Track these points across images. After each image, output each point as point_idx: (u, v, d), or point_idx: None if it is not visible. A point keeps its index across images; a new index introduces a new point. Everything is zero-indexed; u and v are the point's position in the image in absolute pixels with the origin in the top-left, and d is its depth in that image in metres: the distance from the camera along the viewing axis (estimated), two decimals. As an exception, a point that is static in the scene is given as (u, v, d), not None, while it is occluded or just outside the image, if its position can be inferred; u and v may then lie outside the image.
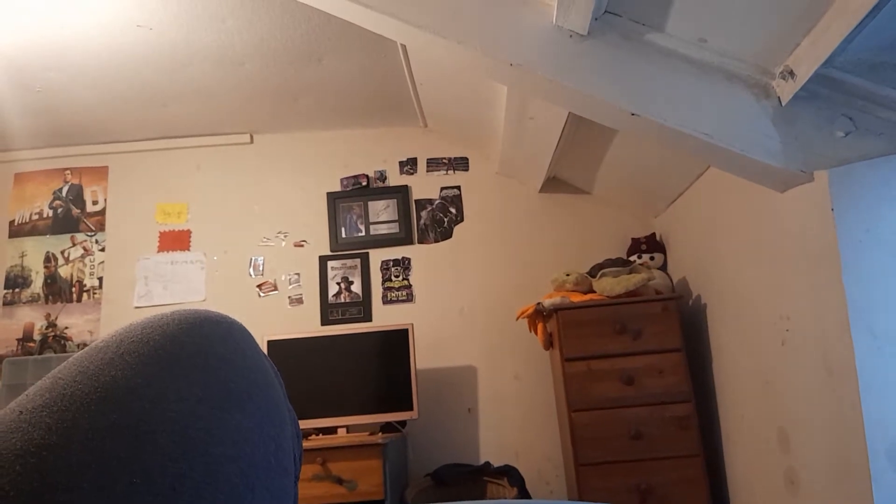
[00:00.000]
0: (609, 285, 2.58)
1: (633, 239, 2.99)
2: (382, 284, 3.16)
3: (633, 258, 2.91)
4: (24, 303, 3.19)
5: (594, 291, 2.66)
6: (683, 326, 2.53)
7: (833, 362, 1.62)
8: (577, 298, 2.61)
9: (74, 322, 3.16)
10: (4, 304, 3.19)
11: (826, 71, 1.54)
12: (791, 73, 1.60)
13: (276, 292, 3.17)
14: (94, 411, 0.34)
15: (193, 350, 0.41)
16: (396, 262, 3.18)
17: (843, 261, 1.56)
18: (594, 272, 2.72)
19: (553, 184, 3.21)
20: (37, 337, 3.15)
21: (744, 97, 1.69)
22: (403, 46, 2.54)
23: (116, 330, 0.42)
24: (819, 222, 1.63)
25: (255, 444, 0.40)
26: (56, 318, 3.17)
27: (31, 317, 3.18)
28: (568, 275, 2.71)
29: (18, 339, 3.15)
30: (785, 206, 1.81)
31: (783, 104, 1.65)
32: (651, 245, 2.93)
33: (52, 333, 3.14)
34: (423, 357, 3.00)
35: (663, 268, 2.92)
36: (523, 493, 2.52)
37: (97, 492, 0.32)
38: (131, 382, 0.36)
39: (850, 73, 1.57)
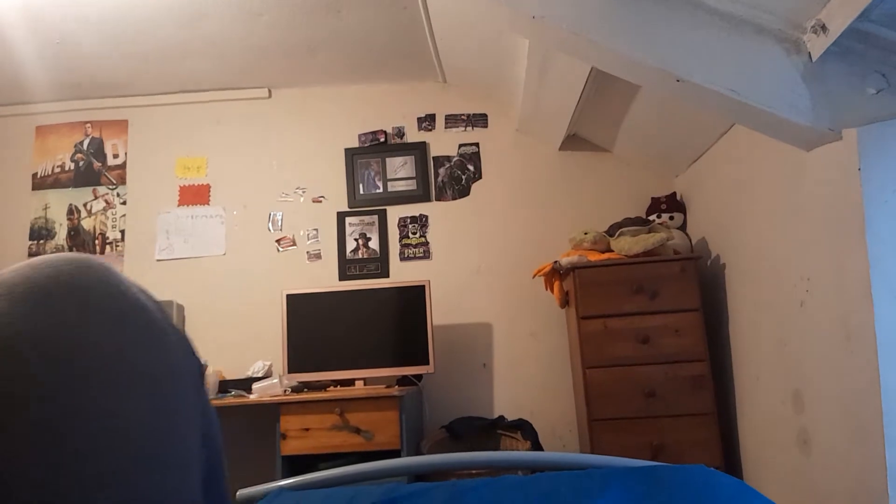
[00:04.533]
0: (627, 244, 2.57)
1: (652, 198, 2.96)
2: (400, 241, 3.17)
3: (652, 217, 2.88)
4: (48, 254, 3.26)
5: (612, 250, 2.66)
6: (701, 286, 2.52)
7: (852, 324, 1.61)
8: (595, 257, 2.61)
9: (98, 274, 3.22)
10: (30, 255, 3.26)
11: (861, 25, 1.49)
12: (823, 28, 1.55)
13: (294, 247, 3.20)
14: None
15: (39, 282, 0.43)
16: (414, 219, 3.19)
17: (868, 221, 1.53)
18: (612, 231, 2.71)
19: (573, 141, 3.17)
20: (63, 288, 3.22)
21: (773, 52, 1.64)
22: (423, -2, 2.48)
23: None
24: (845, 182, 1.60)
25: (126, 354, 0.44)
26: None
27: (57, 268, 3.25)
28: (586, 233, 2.70)
29: (45, 290, 3.22)
30: (810, 166, 1.78)
31: (814, 60, 1.60)
32: (671, 204, 2.90)
33: (78, 285, 3.21)
34: (440, 313, 3.03)
35: (683, 228, 2.90)
36: (536, 447, 2.58)
37: None
38: (4, 327, 0.40)
39: (887, 27, 1.51)
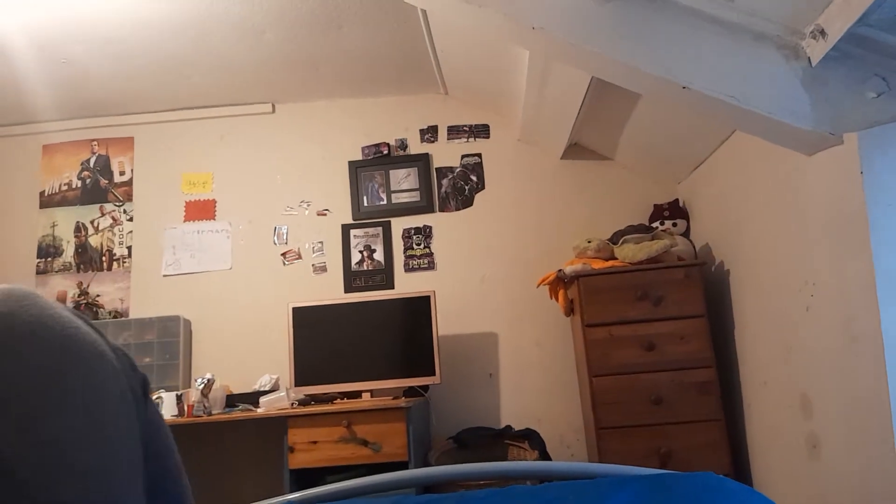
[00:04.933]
0: (631, 252, 2.57)
1: (655, 205, 2.96)
2: (404, 252, 3.18)
3: (655, 224, 2.89)
4: (56, 272, 3.28)
5: (616, 258, 2.66)
6: (706, 293, 2.52)
7: (858, 328, 1.61)
8: (599, 265, 2.61)
9: (106, 290, 3.25)
10: (38, 272, 3.29)
11: (859, 29, 1.49)
12: (822, 33, 1.56)
13: (300, 260, 3.21)
14: None
15: None
16: (418, 231, 3.20)
17: (872, 225, 1.53)
18: (616, 239, 2.71)
19: (575, 150, 3.18)
20: (69, 304, 3.24)
21: (772, 58, 1.65)
22: (424, 12, 2.51)
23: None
24: (847, 186, 1.60)
25: (49, 379, 0.45)
26: (88, 287, 3.26)
27: (64, 285, 3.28)
28: (589, 241, 2.71)
29: (53, 307, 3.24)
30: (812, 170, 1.78)
31: (813, 65, 1.61)
32: (674, 211, 2.90)
33: (85, 301, 3.23)
34: (446, 323, 3.03)
35: (686, 234, 2.90)
36: (544, 456, 2.57)
37: None
38: None
39: (886, 31, 1.52)
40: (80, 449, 0.43)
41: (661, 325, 2.48)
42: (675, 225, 2.88)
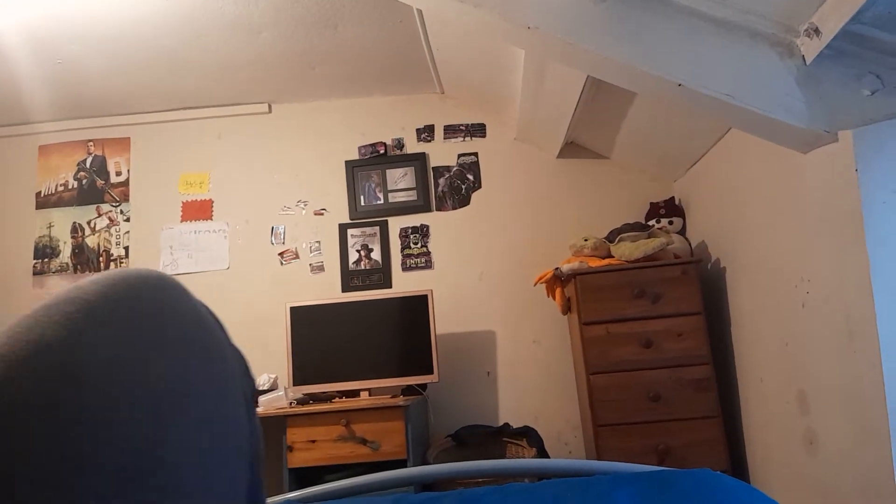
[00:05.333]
0: (627, 250, 2.58)
1: (651, 203, 2.97)
2: (402, 251, 3.19)
3: (651, 223, 2.89)
4: (53, 272, 3.28)
5: (612, 256, 2.67)
6: (703, 290, 2.53)
7: (854, 324, 1.62)
8: (596, 263, 2.62)
9: (103, 291, 3.24)
10: (34, 273, 3.28)
11: (853, 27, 1.50)
12: (816, 31, 1.57)
13: (297, 260, 3.21)
14: (25, 364, 0.36)
15: (120, 302, 0.42)
16: (415, 230, 3.20)
17: (867, 222, 1.54)
18: (612, 237, 2.72)
19: (571, 149, 3.19)
20: (67, 305, 3.24)
21: (767, 56, 1.65)
22: (419, 11, 2.51)
23: (47, 297, 0.44)
24: (842, 183, 1.61)
25: (193, 381, 0.42)
26: (85, 288, 3.25)
27: (61, 286, 3.26)
28: (586, 240, 2.72)
29: (50, 308, 3.24)
30: (807, 168, 1.79)
31: (808, 63, 1.62)
32: (670, 209, 2.91)
33: (82, 302, 3.23)
34: (443, 322, 3.04)
35: (682, 232, 2.91)
36: (542, 454, 2.58)
37: (41, 428, 0.34)
38: (58, 336, 0.38)
39: (880, 29, 1.53)
40: (201, 466, 0.41)
41: (659, 323, 2.49)
42: (671, 223, 2.88)
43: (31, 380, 0.36)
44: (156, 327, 0.42)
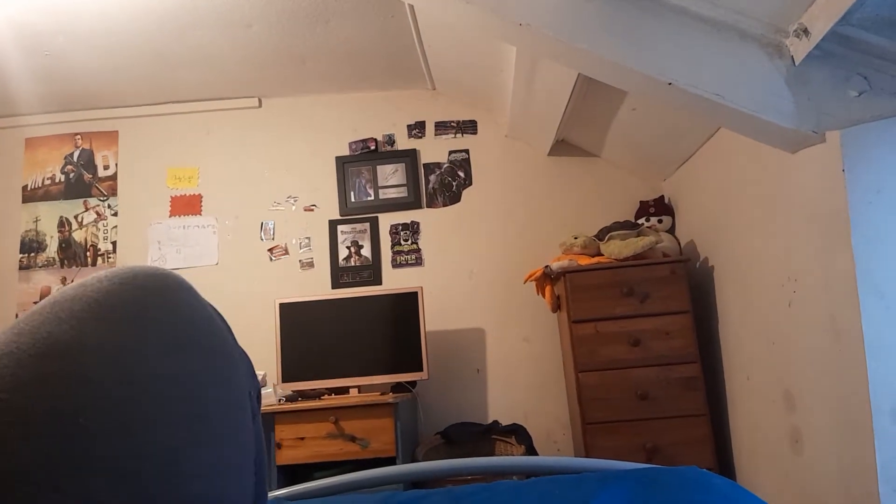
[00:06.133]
0: (617, 248, 2.59)
1: (641, 202, 2.98)
2: (392, 248, 3.18)
3: (641, 221, 2.91)
4: (39, 267, 3.25)
5: (602, 254, 2.68)
6: (691, 289, 2.55)
7: (840, 323, 1.63)
8: (585, 261, 2.63)
9: (90, 286, 3.21)
10: (21, 268, 3.25)
11: (842, 28, 1.51)
12: (805, 32, 1.58)
13: (286, 256, 3.20)
14: (33, 364, 0.36)
15: (128, 302, 0.41)
16: (405, 227, 3.19)
17: (853, 222, 1.55)
18: (602, 235, 2.73)
19: (562, 147, 3.20)
20: (54, 300, 3.21)
21: (756, 56, 1.66)
22: (411, 6, 2.50)
23: (52, 294, 0.43)
24: (829, 183, 1.63)
25: (201, 384, 0.42)
26: (72, 282, 3.21)
27: (48, 280, 3.24)
28: (576, 238, 2.72)
29: (35, 303, 3.19)
30: (795, 168, 1.80)
31: (796, 63, 1.63)
32: (659, 208, 2.93)
33: (69, 297, 3.20)
34: (433, 319, 3.04)
35: (671, 231, 2.92)
36: (531, 451, 2.59)
37: (47, 432, 0.34)
38: (66, 336, 0.38)
39: (867, 31, 1.54)
40: (209, 471, 0.41)
41: (647, 322, 2.50)
42: (660, 221, 2.90)
43: (40, 381, 0.35)
44: (165, 328, 0.42)
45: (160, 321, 0.42)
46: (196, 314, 0.46)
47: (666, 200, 2.98)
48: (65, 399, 0.35)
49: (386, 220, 3.20)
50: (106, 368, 0.37)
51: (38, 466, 0.33)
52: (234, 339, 0.50)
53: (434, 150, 3.27)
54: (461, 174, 3.24)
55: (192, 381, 0.41)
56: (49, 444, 0.34)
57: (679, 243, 2.84)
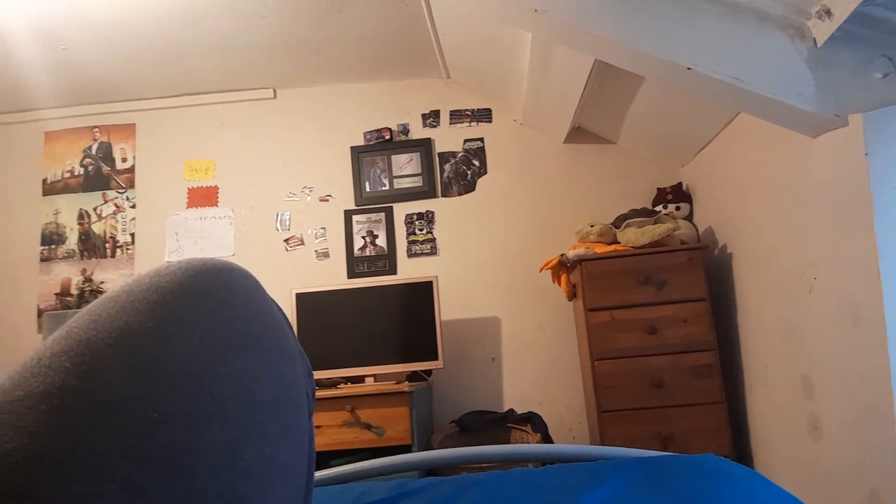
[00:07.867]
0: (633, 236, 2.57)
1: (658, 189, 2.95)
2: (407, 238, 3.18)
3: (658, 208, 2.88)
4: (60, 259, 3.30)
5: (618, 242, 2.65)
6: (708, 276, 2.52)
7: (861, 310, 1.61)
8: (601, 249, 2.61)
9: (109, 276, 3.26)
10: (42, 260, 3.30)
11: (866, 9, 1.48)
12: (828, 13, 1.54)
13: (302, 246, 3.22)
14: (109, 354, 0.36)
15: (198, 295, 0.42)
16: (420, 216, 3.19)
17: (876, 207, 1.52)
18: (619, 223, 2.70)
19: (577, 134, 3.17)
20: (74, 291, 3.26)
21: (777, 39, 1.63)
22: (424, -6, 2.48)
23: (126, 281, 0.44)
24: (851, 168, 1.59)
25: (262, 381, 0.42)
26: (92, 273, 3.27)
27: (68, 272, 3.29)
28: (592, 226, 2.70)
29: (56, 294, 3.26)
30: (816, 152, 1.77)
31: (818, 45, 1.59)
32: (677, 195, 2.89)
33: (89, 288, 3.25)
34: (448, 308, 3.04)
35: (689, 218, 2.89)
36: (546, 439, 2.59)
37: (116, 427, 0.34)
38: (142, 327, 0.38)
39: (892, 11, 1.50)
40: (271, 472, 0.41)
41: (664, 309, 2.48)
42: (678, 208, 2.87)
43: (114, 371, 0.36)
44: (232, 323, 0.42)
45: (227, 317, 0.42)
46: (264, 311, 0.46)
47: (683, 187, 2.95)
48: (135, 391, 0.35)
49: (401, 210, 3.20)
50: (177, 362, 0.38)
51: (99, 456, 0.33)
52: (295, 336, 0.51)
53: (449, 138, 3.26)
54: (476, 163, 3.23)
55: (253, 378, 0.41)
56: (113, 436, 0.34)
57: (697, 230, 2.81)
